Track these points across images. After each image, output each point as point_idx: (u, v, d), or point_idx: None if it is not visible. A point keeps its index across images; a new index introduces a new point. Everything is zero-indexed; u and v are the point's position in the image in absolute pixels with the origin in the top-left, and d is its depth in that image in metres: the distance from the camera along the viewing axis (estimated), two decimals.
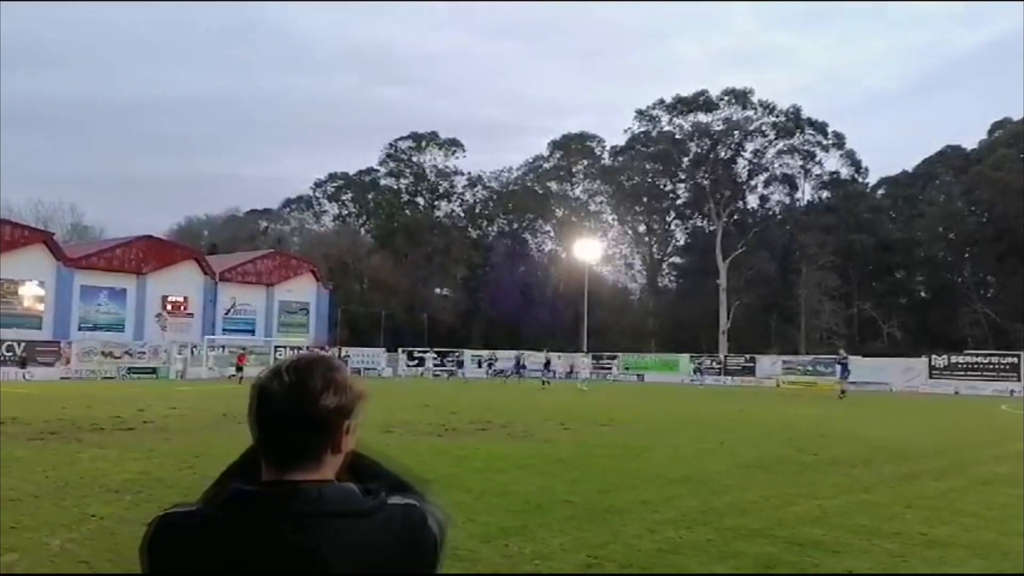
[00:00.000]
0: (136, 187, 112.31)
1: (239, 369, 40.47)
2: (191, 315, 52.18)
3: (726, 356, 57.70)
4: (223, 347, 49.87)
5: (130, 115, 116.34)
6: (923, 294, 71.24)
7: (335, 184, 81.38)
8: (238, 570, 1.20)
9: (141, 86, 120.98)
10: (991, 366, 45.10)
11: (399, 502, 1.31)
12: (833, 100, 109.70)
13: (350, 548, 1.21)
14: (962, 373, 45.66)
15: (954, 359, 47.67)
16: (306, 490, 1.23)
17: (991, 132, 68.79)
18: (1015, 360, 45.13)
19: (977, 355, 46.43)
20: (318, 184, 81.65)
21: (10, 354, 41.10)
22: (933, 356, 48.86)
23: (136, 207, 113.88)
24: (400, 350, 57.65)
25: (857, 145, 72.09)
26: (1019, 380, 43.11)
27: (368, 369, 54.34)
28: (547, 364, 47.04)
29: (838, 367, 36.89)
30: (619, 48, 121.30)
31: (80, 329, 46.97)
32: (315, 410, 1.24)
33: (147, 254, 51.05)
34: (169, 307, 51.09)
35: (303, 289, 58.70)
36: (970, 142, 70.56)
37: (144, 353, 46.63)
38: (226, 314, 54.44)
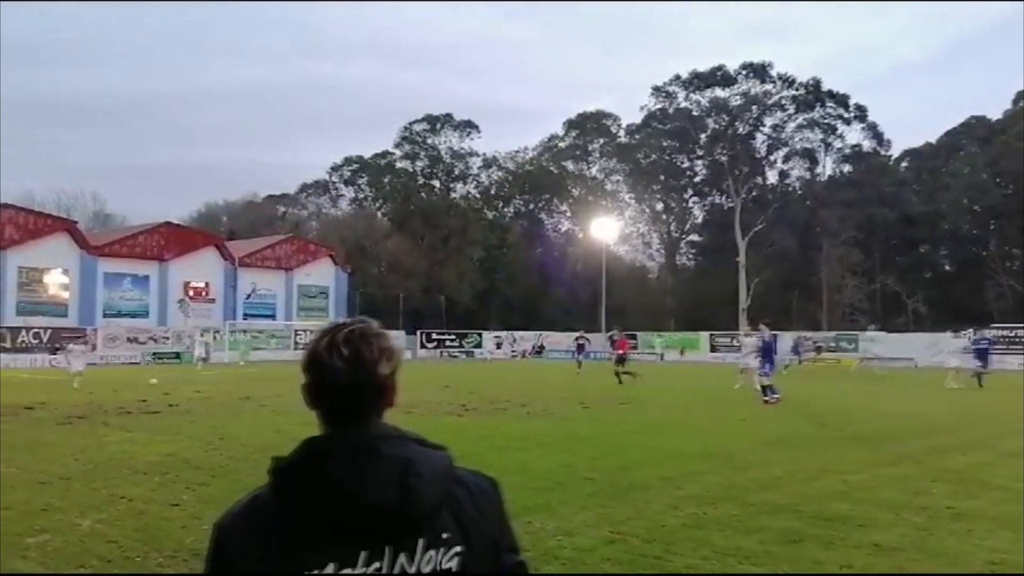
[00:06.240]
0: (156, 175, 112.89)
1: (621, 361, 26.54)
2: (213, 300, 52.75)
3: (746, 333, 57.33)
4: (244, 331, 50.42)
5: (149, 105, 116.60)
6: (948, 268, 70.23)
7: (351, 168, 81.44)
8: (342, 484, 1.27)
9: (161, 77, 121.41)
10: (1018, 340, 44.55)
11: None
12: (855, 72, 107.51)
13: (433, 464, 1.34)
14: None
15: (980, 333, 47.04)
16: (383, 424, 1.39)
17: (1016, 102, 67.39)
18: None
19: (1003, 328, 45.80)
20: (334, 168, 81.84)
21: (36, 341, 41.70)
22: (958, 330, 48.24)
23: (156, 194, 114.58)
24: (419, 332, 57.87)
25: (879, 117, 71.39)
26: None
27: None
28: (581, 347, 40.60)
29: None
30: (636, 25, 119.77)
31: (105, 316, 47.56)
32: (375, 379, 1.36)
33: (168, 241, 51.56)
34: (191, 293, 51.65)
35: (321, 273, 59.07)
36: (995, 112, 69.33)
37: (168, 338, 47.16)
38: (247, 299, 54.93)
